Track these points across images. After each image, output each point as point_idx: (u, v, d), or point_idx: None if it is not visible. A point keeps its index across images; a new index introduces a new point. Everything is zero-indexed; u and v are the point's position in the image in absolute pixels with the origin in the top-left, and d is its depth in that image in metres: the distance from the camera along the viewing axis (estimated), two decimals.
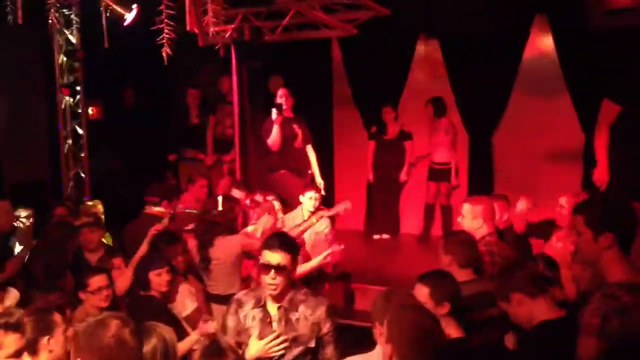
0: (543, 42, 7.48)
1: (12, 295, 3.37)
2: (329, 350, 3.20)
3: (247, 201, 5.63)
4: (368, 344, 2.96)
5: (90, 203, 6.89)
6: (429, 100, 7.90)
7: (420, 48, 8.21)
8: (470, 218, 4.09)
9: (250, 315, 3.21)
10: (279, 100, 6.68)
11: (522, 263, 3.09)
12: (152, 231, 4.72)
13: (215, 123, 8.15)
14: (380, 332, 2.75)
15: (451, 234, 4.06)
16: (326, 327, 3.18)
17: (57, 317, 2.90)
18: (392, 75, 8.17)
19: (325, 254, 5.03)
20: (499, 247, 4.03)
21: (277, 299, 3.16)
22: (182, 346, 3.62)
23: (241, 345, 3.17)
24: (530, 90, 7.70)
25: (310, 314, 3.16)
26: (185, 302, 4.26)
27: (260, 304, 3.20)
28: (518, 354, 3.07)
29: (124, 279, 4.39)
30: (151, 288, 4.11)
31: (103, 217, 6.32)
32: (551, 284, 2.86)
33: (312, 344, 3.16)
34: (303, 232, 5.19)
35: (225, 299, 4.44)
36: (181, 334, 3.82)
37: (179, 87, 8.42)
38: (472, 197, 4.38)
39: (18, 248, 5.30)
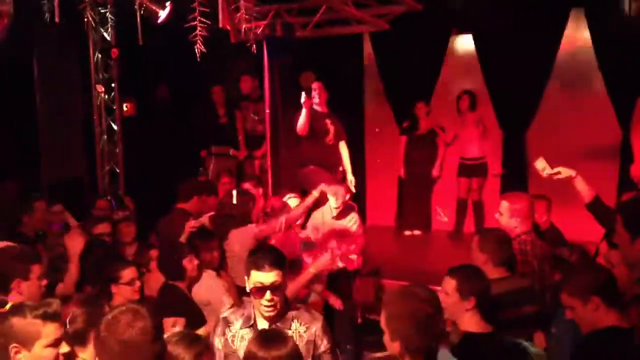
0: (579, 37, 7.34)
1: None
2: None
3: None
4: None
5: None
6: (462, 92, 7.82)
7: (453, 43, 8.13)
8: (508, 216, 4.02)
9: (238, 335, 2.95)
10: (313, 94, 6.68)
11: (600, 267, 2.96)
12: (189, 227, 4.77)
13: (243, 120, 8.17)
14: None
15: (486, 231, 4.00)
16: (323, 345, 2.95)
17: (107, 309, 2.95)
18: (424, 70, 8.13)
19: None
20: (534, 246, 3.96)
21: (268, 317, 2.91)
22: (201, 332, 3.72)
23: None
24: (566, 85, 7.58)
25: (304, 331, 2.93)
26: (223, 300, 4.30)
27: (249, 323, 2.95)
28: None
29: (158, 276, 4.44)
30: (186, 276, 4.19)
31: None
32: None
33: None
34: (303, 213, 5.21)
35: (243, 290, 4.54)
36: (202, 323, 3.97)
37: (211, 84, 8.48)
38: (510, 195, 4.25)
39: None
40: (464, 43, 8.06)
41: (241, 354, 2.79)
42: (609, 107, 7.03)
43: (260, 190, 6.12)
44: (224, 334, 2.98)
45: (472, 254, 3.63)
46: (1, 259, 3.42)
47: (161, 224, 5.51)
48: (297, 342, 2.75)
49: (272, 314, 2.87)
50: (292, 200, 5.46)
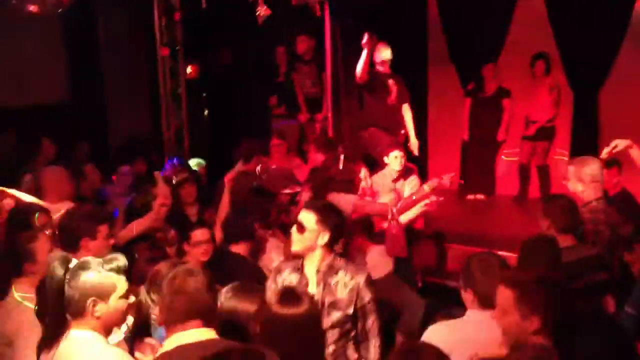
0: None
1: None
2: (370, 321, 3.12)
3: None
4: (457, 305, 2.92)
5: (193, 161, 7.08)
6: (538, 55, 7.50)
7: (523, 2, 7.82)
8: (575, 181, 3.88)
9: (287, 280, 3.20)
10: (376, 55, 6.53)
11: None
12: (228, 178, 4.81)
13: (300, 82, 8.14)
14: (470, 297, 2.70)
15: (551, 197, 3.90)
16: (367, 297, 3.10)
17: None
18: (491, 31, 7.85)
19: (423, 203, 4.88)
20: (606, 214, 3.81)
21: (313, 263, 3.15)
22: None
23: None
24: None
25: (349, 280, 3.10)
26: (272, 257, 4.37)
27: (297, 269, 3.20)
28: None
29: (216, 232, 4.51)
30: (254, 239, 4.24)
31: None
32: None
33: (350, 311, 3.09)
34: (417, 201, 4.98)
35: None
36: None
37: (274, 46, 8.47)
38: (579, 159, 4.08)
39: None
40: (534, 1, 7.74)
41: None
42: None
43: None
44: (275, 280, 3.25)
45: (537, 220, 3.55)
46: (71, 218, 3.60)
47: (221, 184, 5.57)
48: (341, 289, 3.07)
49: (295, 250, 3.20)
50: (363, 174, 5.35)
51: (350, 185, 4.85)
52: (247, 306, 2.62)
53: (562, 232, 3.45)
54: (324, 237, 3.12)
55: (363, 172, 5.32)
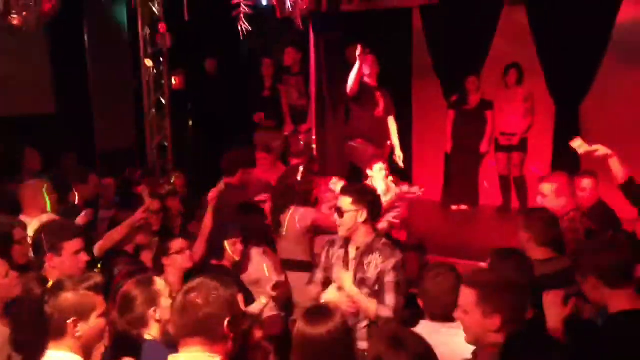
0: (638, 6, 7.04)
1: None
2: (389, 298, 3.31)
3: None
4: None
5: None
6: (511, 65, 7.62)
7: (505, 15, 7.90)
8: (554, 197, 3.97)
9: (335, 254, 3.56)
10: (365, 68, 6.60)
11: (609, 244, 2.83)
12: (211, 196, 4.78)
13: (286, 93, 8.17)
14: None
15: (533, 210, 3.94)
16: (390, 276, 3.33)
17: (160, 283, 2.97)
18: (474, 43, 7.93)
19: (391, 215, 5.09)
20: (583, 224, 3.90)
21: (356, 241, 3.45)
22: (252, 309, 3.70)
23: (327, 279, 3.56)
24: (623, 57, 7.30)
25: (381, 262, 3.37)
26: (272, 278, 4.33)
27: (343, 245, 3.53)
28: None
29: (198, 247, 4.48)
30: (224, 257, 4.22)
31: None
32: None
33: (377, 288, 3.35)
34: (392, 202, 5.23)
35: (292, 265, 4.61)
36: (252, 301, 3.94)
37: (257, 58, 8.49)
38: (550, 176, 4.29)
39: None
40: (516, 14, 7.82)
41: (334, 269, 3.51)
42: None
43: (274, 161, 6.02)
44: (327, 251, 3.63)
45: (518, 233, 3.59)
46: (38, 234, 3.55)
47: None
48: (372, 269, 3.35)
49: (340, 232, 3.50)
50: (338, 185, 5.37)
51: (308, 196, 4.90)
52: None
53: (542, 245, 3.48)
54: (363, 215, 3.41)
55: (334, 182, 5.37)
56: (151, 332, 2.81)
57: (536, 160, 7.79)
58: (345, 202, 3.44)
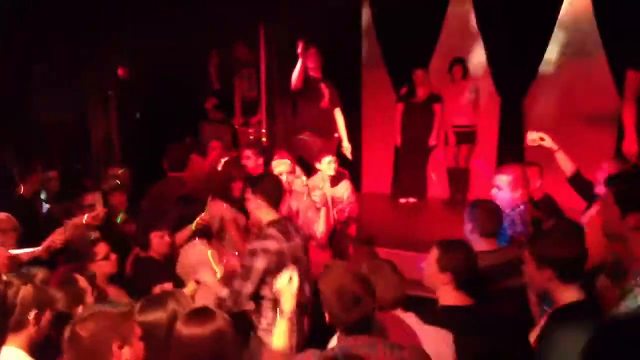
0: (580, 2, 7.21)
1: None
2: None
3: None
4: None
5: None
6: (456, 60, 7.73)
7: (452, 8, 7.98)
8: (510, 189, 3.99)
9: None
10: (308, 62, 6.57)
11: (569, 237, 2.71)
12: (199, 222, 4.59)
13: (239, 86, 8.10)
14: None
15: (477, 202, 3.97)
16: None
17: (83, 282, 3.00)
18: (423, 36, 8.00)
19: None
20: (532, 215, 3.95)
21: None
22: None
23: None
24: (565, 51, 7.49)
25: None
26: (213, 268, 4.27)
27: None
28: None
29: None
30: (150, 249, 4.18)
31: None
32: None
33: None
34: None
35: None
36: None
37: (207, 50, 8.36)
38: (506, 167, 4.20)
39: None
40: (463, 8, 7.92)
41: None
42: (609, 76, 6.93)
43: (261, 160, 5.97)
44: None
45: (463, 224, 3.63)
46: None
47: (153, 191, 5.45)
48: None
49: None
50: (282, 166, 5.28)
51: (227, 190, 5.01)
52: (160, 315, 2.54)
53: (485, 235, 3.51)
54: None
55: (277, 163, 5.29)
56: None
57: (482, 153, 7.94)
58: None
